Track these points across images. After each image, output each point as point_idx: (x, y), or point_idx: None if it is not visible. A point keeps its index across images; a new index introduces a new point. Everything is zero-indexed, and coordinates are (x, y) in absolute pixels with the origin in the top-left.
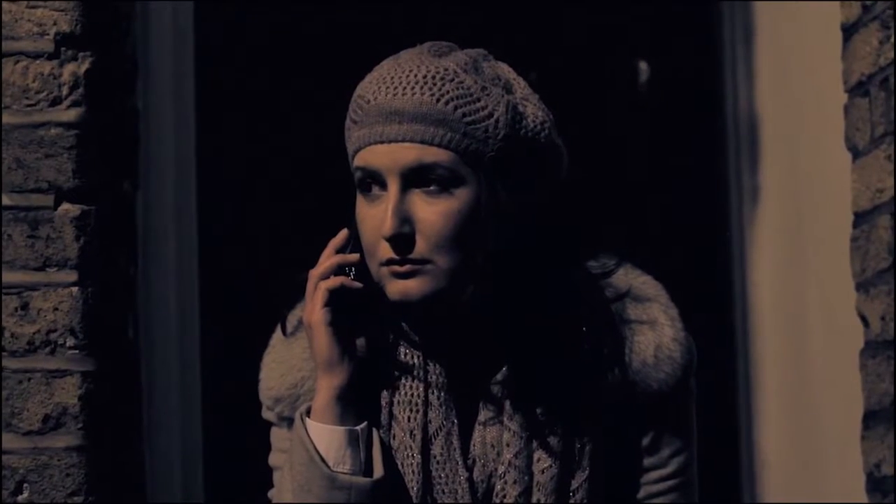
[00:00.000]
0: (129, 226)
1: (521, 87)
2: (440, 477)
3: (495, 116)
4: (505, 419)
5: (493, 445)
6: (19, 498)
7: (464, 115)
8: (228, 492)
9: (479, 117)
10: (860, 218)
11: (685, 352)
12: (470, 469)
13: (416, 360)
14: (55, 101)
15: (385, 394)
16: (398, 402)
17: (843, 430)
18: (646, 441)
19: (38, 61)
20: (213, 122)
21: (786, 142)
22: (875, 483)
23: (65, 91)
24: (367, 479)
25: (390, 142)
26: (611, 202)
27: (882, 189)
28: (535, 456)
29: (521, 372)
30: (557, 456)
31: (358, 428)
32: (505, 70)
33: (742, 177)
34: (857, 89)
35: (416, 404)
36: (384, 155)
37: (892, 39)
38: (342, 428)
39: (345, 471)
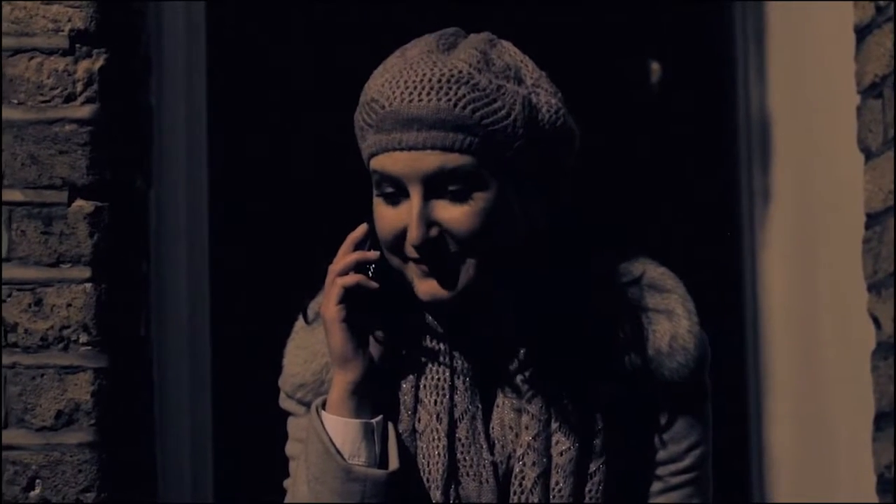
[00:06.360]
0: (141, 222)
1: (529, 70)
2: (465, 460)
3: (513, 116)
4: (524, 402)
5: (511, 427)
6: (32, 494)
7: (482, 118)
8: (238, 489)
9: (498, 118)
10: (872, 219)
11: (699, 344)
12: (491, 451)
13: (441, 347)
14: (69, 98)
15: (411, 378)
16: (424, 386)
17: (854, 432)
18: (663, 434)
19: (52, 58)
20: (225, 118)
21: (798, 143)
22: (886, 484)
23: (79, 87)
24: (383, 472)
25: (410, 149)
26: (621, 203)
27: (894, 190)
28: (554, 439)
29: (540, 356)
30: (576, 439)
31: (373, 421)
32: (511, 53)
33: (753, 178)
34: (871, 91)
35: (444, 388)
36: (404, 163)
37: None
38: (357, 421)
39: (360, 463)
